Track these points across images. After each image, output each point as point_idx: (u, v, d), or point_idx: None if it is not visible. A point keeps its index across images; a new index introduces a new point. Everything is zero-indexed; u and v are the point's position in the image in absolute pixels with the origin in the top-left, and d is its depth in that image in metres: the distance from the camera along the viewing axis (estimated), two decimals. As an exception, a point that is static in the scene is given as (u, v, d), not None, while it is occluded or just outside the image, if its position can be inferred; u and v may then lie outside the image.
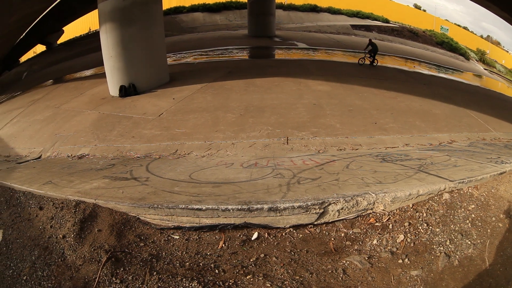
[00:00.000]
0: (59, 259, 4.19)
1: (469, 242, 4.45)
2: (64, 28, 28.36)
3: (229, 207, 4.48)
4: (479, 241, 4.48)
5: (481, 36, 38.49)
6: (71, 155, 8.15)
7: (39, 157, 8.34)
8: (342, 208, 4.67)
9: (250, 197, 4.63)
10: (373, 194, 4.81)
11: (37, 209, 4.96)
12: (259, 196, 4.84)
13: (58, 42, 28.94)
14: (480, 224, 4.73)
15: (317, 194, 4.85)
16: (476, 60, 32.85)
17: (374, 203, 4.80)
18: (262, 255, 4.27)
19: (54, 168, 7.19)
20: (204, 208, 4.50)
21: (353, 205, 4.71)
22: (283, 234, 4.57)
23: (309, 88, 11.46)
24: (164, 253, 4.33)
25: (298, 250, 4.38)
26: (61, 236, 4.41)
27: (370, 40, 17.77)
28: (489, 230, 4.63)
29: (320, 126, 8.81)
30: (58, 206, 4.85)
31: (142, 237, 4.52)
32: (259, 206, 4.48)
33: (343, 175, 5.39)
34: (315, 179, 5.52)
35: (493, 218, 4.81)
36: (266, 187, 4.74)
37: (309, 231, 4.65)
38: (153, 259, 4.22)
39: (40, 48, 28.52)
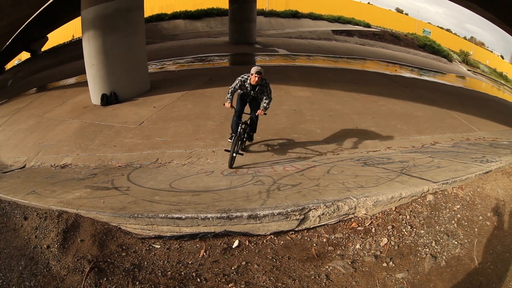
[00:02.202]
0: (45, 269, 4.14)
1: (456, 242, 4.45)
2: (48, 35, 28.15)
3: (209, 215, 4.43)
4: (466, 241, 4.49)
5: (465, 38, 38.93)
6: (54, 165, 8.05)
7: (24, 167, 8.24)
8: (323, 214, 4.64)
9: (229, 205, 4.59)
10: (354, 199, 4.78)
11: (22, 219, 4.91)
12: (238, 203, 4.80)
13: (42, 49, 28.73)
14: (466, 223, 4.73)
15: (297, 200, 4.81)
16: (459, 62, 33.25)
17: (355, 207, 4.78)
18: (243, 263, 4.22)
19: (37, 178, 7.12)
20: (183, 217, 4.44)
21: (334, 210, 4.68)
22: (264, 241, 4.52)
23: (289, 94, 11.57)
24: (146, 263, 4.27)
25: (280, 257, 4.33)
26: (45, 246, 4.36)
27: None
28: (476, 229, 4.64)
29: (301, 132, 8.78)
30: (42, 216, 4.80)
31: (124, 247, 4.46)
32: (238, 214, 4.44)
33: (324, 180, 5.37)
34: (295, 185, 5.50)
35: (480, 217, 4.82)
36: (246, 195, 4.71)
37: (290, 237, 4.60)
38: (135, 268, 4.16)
39: (25, 55, 28.29)
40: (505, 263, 4.21)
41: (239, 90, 7.56)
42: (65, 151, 8.63)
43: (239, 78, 7.33)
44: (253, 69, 7.17)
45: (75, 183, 6.57)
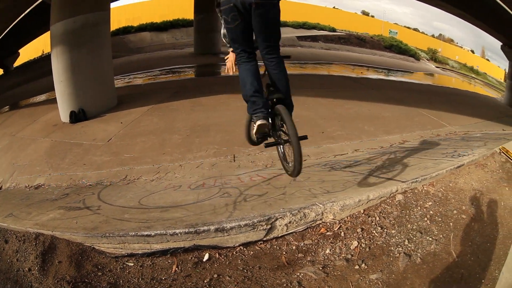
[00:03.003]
0: None
1: (431, 239, 4.52)
2: (20, 51, 27.76)
3: (177, 231, 4.43)
4: (441, 236, 4.55)
5: (433, 36, 39.42)
6: (29, 185, 7.93)
7: (0, 188, 8.12)
8: (290, 222, 4.67)
9: (197, 219, 4.59)
10: (320, 205, 4.83)
11: (3, 242, 4.81)
12: (206, 217, 4.80)
13: (14, 65, 28.30)
14: (440, 219, 4.80)
15: (263, 210, 4.84)
16: (427, 60, 33.79)
17: (322, 213, 4.82)
18: (215, 276, 4.22)
19: (14, 200, 7.02)
20: (153, 234, 4.44)
21: (300, 217, 4.72)
22: (234, 252, 4.53)
23: None
24: (121, 281, 4.25)
25: (251, 267, 4.35)
26: (27, 269, 4.31)
27: None
28: (451, 223, 4.72)
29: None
30: (20, 239, 4.74)
31: (99, 266, 4.42)
32: (205, 227, 4.45)
33: (290, 188, 5.41)
34: (261, 195, 5.53)
35: (455, 211, 4.90)
36: (213, 208, 4.74)
37: (259, 247, 4.63)
38: (112, 287, 4.14)
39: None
40: (487, 253, 4.28)
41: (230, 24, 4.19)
42: (38, 171, 8.50)
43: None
44: None
45: (49, 204, 6.49)
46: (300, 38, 31.97)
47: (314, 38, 32.34)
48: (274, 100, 4.45)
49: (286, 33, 32.67)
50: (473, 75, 33.00)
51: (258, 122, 4.20)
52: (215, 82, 16.77)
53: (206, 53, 25.20)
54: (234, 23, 4.11)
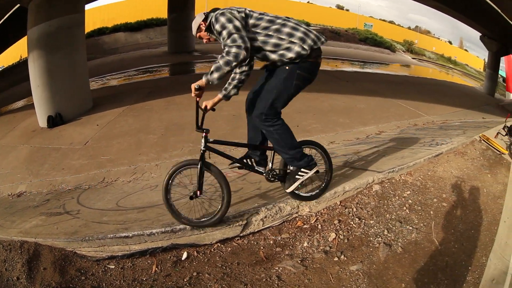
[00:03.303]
0: None
1: (411, 228, 4.58)
2: (-1, 58, 27.42)
3: (154, 231, 4.43)
4: (422, 225, 4.62)
5: (409, 28, 39.85)
6: (11, 194, 7.84)
7: (-16, 199, 8.00)
8: (265, 217, 4.70)
9: (173, 219, 4.60)
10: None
11: None
12: (182, 216, 4.80)
13: (-7, 72, 27.95)
14: (420, 208, 4.88)
15: (238, 206, 4.87)
16: (403, 51, 34.15)
17: (298, 206, 4.85)
18: (194, 274, 4.24)
19: (-2, 209, 6.94)
20: (130, 235, 4.43)
21: (276, 212, 4.74)
22: (212, 250, 4.55)
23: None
24: (104, 284, 4.23)
25: (229, 264, 4.37)
26: (15, 278, 4.25)
27: None
28: (431, 212, 4.80)
29: (241, 136, 8.41)
30: (7, 248, 4.66)
31: (82, 271, 4.40)
32: (182, 226, 4.45)
33: (265, 183, 5.40)
34: (237, 191, 5.53)
35: (435, 200, 4.97)
36: (189, 206, 4.74)
37: (237, 243, 4.65)
38: (96, 291, 4.12)
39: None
40: (472, 240, 4.36)
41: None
42: (19, 178, 8.44)
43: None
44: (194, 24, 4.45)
45: (31, 211, 6.43)
46: (273, 33, 31.73)
47: (288, 33, 32.24)
48: None
49: (260, 28, 32.66)
50: (450, 65, 33.39)
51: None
52: (189, 80, 16.44)
53: (180, 52, 25.34)
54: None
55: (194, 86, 4.22)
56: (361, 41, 32.45)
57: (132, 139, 9.52)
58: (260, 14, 4.25)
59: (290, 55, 4.13)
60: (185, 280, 4.19)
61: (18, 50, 29.51)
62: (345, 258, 4.33)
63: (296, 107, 10.75)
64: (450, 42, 39.02)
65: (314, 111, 10.56)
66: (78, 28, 12.10)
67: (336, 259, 4.34)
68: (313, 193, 4.89)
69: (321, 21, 36.02)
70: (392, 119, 9.84)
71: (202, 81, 4.15)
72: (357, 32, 34.57)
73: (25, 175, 8.55)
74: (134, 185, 7.16)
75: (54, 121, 11.43)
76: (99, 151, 9.13)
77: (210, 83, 4.13)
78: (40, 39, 11.32)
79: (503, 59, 21.39)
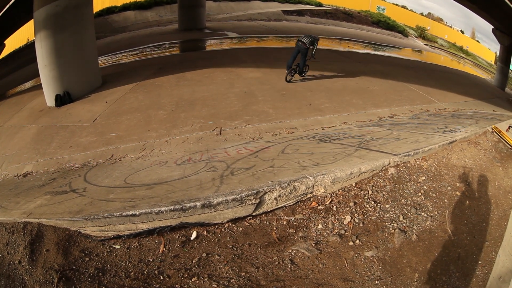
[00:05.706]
0: (21, 286, 3.99)
1: (426, 215, 4.46)
2: (6, 42, 27.39)
3: (162, 208, 4.27)
4: (436, 213, 4.51)
5: (422, 14, 39.27)
6: (17, 174, 7.71)
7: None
8: (279, 196, 4.54)
9: (183, 196, 4.44)
10: (311, 178, 4.70)
11: None
12: (192, 193, 4.63)
13: (0, 57, 27.93)
14: (434, 195, 4.76)
15: (251, 184, 4.69)
16: (416, 37, 33.70)
17: (313, 186, 4.69)
18: (204, 255, 4.10)
19: (3, 191, 6.78)
20: (138, 213, 4.28)
21: (290, 191, 4.58)
22: (222, 229, 4.40)
23: (240, 76, 11.34)
24: (109, 265, 4.12)
25: (240, 245, 4.23)
26: (17, 261, 4.17)
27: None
28: (446, 200, 4.68)
29: (253, 113, 8.71)
30: (10, 231, 4.56)
31: (86, 251, 4.29)
32: (192, 204, 4.29)
33: (279, 161, 5.26)
34: (249, 168, 5.37)
35: (449, 188, 4.86)
36: (199, 183, 4.57)
37: (248, 223, 4.50)
38: (100, 273, 4.01)
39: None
40: (483, 233, 4.26)
41: None
42: (26, 158, 8.32)
43: None
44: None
45: (36, 190, 6.30)
46: (286, 12, 31.56)
47: (300, 13, 31.93)
48: None
49: (271, 7, 32.39)
50: (462, 55, 33.01)
51: None
52: (199, 57, 16.48)
53: (190, 29, 24.87)
54: None
55: None
56: (373, 24, 32.01)
57: (141, 115, 9.37)
58: None
59: None
60: (193, 261, 4.05)
61: (25, 33, 29.57)
62: (360, 243, 4.20)
63: (308, 86, 10.67)
64: (462, 32, 38.61)
65: (327, 91, 10.39)
66: (86, 7, 11.88)
67: (351, 243, 4.20)
68: None
69: (333, 1, 35.45)
70: (405, 103, 9.65)
71: None
72: (369, 14, 34.16)
73: (32, 154, 8.43)
74: (142, 162, 7.01)
75: (62, 100, 11.30)
76: (107, 128, 8.98)
77: None
78: (47, 20, 11.16)
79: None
